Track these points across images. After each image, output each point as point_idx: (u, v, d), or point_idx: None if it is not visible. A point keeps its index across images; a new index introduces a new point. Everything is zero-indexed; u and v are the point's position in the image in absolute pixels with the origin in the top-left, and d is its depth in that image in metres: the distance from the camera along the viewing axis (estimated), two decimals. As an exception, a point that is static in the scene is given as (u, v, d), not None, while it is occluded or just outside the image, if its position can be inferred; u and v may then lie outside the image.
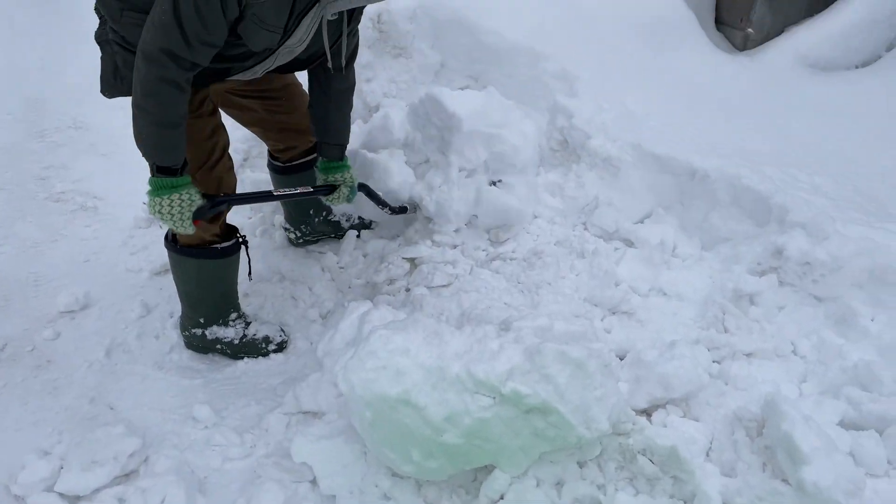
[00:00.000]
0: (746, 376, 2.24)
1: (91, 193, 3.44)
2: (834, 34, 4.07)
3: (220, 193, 2.30)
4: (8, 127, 3.93)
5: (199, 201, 2.10)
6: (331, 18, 2.06)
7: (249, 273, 2.57)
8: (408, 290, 2.72)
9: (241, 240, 2.45)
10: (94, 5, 2.08)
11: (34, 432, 2.16)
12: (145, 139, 1.96)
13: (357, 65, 3.59)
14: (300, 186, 2.56)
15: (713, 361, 2.35)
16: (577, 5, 3.84)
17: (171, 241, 2.37)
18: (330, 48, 2.15)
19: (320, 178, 2.59)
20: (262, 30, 1.92)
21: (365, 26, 3.56)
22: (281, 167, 2.79)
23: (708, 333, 2.43)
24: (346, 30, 2.16)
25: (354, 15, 2.22)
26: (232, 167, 2.40)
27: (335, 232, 3.09)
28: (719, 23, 4.42)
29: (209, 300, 2.48)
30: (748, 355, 2.38)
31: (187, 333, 2.54)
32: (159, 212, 2.05)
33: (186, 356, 2.55)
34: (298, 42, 2.09)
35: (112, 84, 2.12)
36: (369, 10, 3.59)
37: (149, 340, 2.59)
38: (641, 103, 3.43)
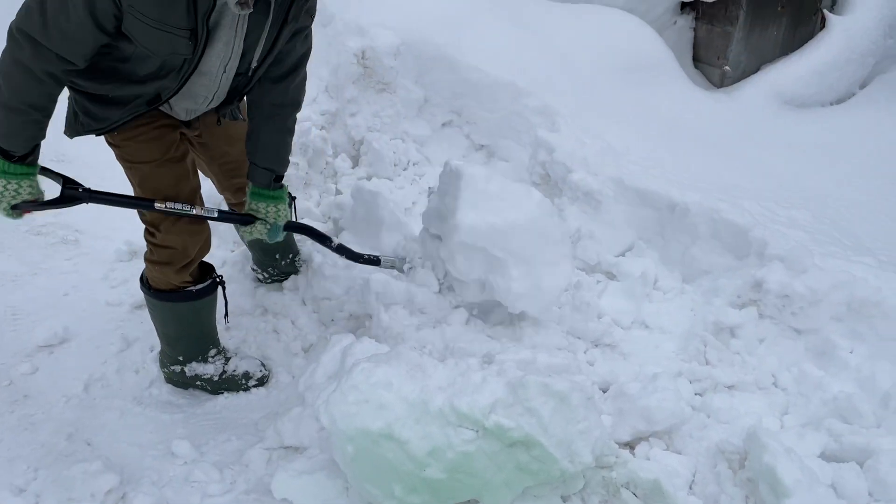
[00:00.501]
0: (728, 409, 2.25)
1: (72, 226, 3.42)
2: (808, 72, 4.19)
3: (192, 257, 2.24)
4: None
5: (29, 193, 1.94)
6: (237, 12, 1.75)
7: (226, 314, 2.53)
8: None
9: (217, 279, 2.40)
10: None
11: (9, 469, 2.11)
12: None
13: (341, 100, 3.68)
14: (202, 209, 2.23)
15: (695, 394, 2.36)
16: (557, 44, 3.92)
17: (146, 284, 2.33)
18: (262, 53, 1.93)
19: (248, 207, 2.32)
20: (150, 27, 1.71)
21: (349, 62, 3.60)
22: None
23: (690, 366, 2.44)
24: (267, 27, 1.87)
25: (291, 13, 1.90)
26: (200, 229, 2.25)
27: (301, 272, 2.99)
28: (697, 60, 4.53)
29: (187, 339, 2.45)
30: (730, 387, 2.39)
31: (166, 370, 2.51)
32: None
33: (166, 390, 2.51)
34: (226, 52, 1.88)
35: (72, 125, 2.08)
36: (353, 46, 3.63)
37: (128, 375, 2.56)
38: (621, 138, 3.48)
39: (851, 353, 2.39)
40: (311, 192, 3.56)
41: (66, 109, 2.08)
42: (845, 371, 2.32)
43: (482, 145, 3.76)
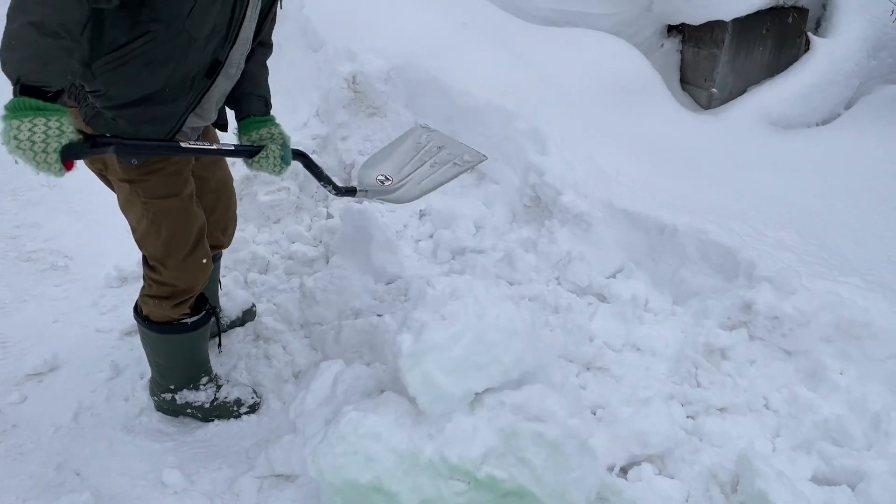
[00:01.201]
0: (720, 432, 2.26)
1: (62, 252, 3.40)
2: (794, 94, 4.24)
3: (195, 292, 2.22)
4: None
5: (71, 134, 1.56)
6: None
7: (219, 345, 2.53)
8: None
9: (210, 310, 2.40)
10: None
11: (-4, 501, 2.09)
12: (14, 46, 1.50)
13: (332, 124, 3.70)
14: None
15: (687, 417, 2.37)
16: (545, 67, 3.96)
17: (140, 315, 2.31)
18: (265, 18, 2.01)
19: (241, 140, 2.17)
20: None
21: (340, 87, 3.63)
22: None
23: (681, 388, 2.45)
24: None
25: None
26: (208, 264, 2.25)
27: (226, 330, 2.88)
28: (684, 83, 4.59)
29: (180, 369, 2.43)
30: (721, 410, 2.40)
31: (157, 398, 2.49)
32: (16, 138, 1.50)
33: (156, 418, 2.49)
34: (250, 18, 1.92)
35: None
36: (344, 70, 3.67)
37: (118, 403, 2.54)
38: (611, 161, 3.51)
39: (841, 374, 2.40)
40: (303, 216, 3.57)
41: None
42: (836, 392, 2.33)
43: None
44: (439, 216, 3.48)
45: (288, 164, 2.15)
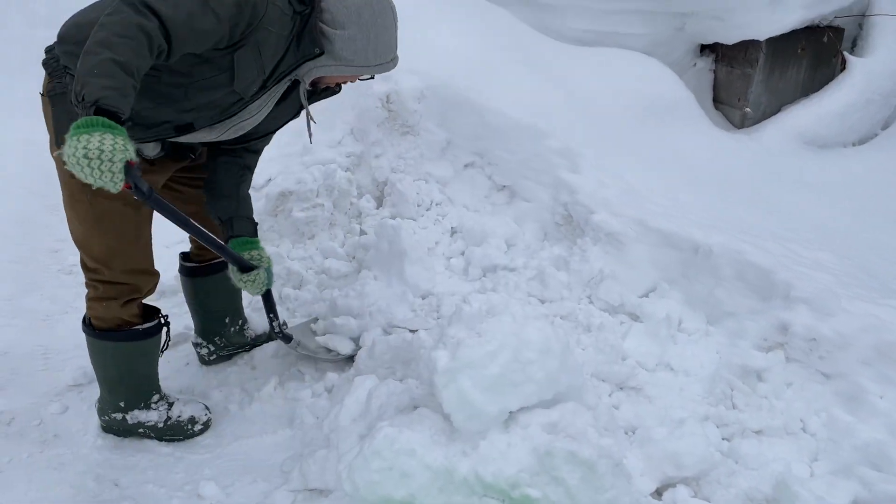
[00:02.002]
0: (757, 454, 2.23)
1: (102, 266, 3.48)
2: (830, 113, 4.20)
3: (142, 294, 2.28)
4: (23, 200, 4.01)
5: (133, 155, 1.63)
6: (307, 87, 2.08)
7: (164, 349, 2.47)
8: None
9: (163, 320, 2.40)
10: (42, 61, 2.03)
11: (38, 510, 2.14)
12: (98, 75, 1.61)
13: (366, 142, 3.75)
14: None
15: (722, 438, 2.34)
16: (577, 87, 3.98)
17: (89, 325, 2.31)
18: (288, 120, 2.26)
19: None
20: (253, 62, 1.91)
21: (374, 106, 3.68)
22: (196, 268, 2.66)
23: (717, 410, 2.42)
24: (306, 103, 2.13)
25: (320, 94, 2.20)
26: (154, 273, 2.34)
27: (251, 344, 2.92)
28: (717, 102, 4.57)
29: (130, 384, 2.41)
30: (757, 432, 2.37)
31: (106, 418, 2.45)
32: (85, 148, 1.54)
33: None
34: (258, 108, 2.10)
35: None
36: (378, 90, 3.72)
37: (155, 414, 2.58)
38: (643, 179, 3.51)
39: (881, 398, 2.35)
40: (336, 231, 3.61)
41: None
42: (875, 417, 2.29)
43: (504, 186, 3.79)
44: (470, 234, 3.50)
45: (270, 287, 2.44)
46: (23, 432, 2.47)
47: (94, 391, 2.62)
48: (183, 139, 2.15)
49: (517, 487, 1.78)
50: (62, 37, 1.99)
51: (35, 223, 3.84)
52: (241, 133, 2.19)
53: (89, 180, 1.58)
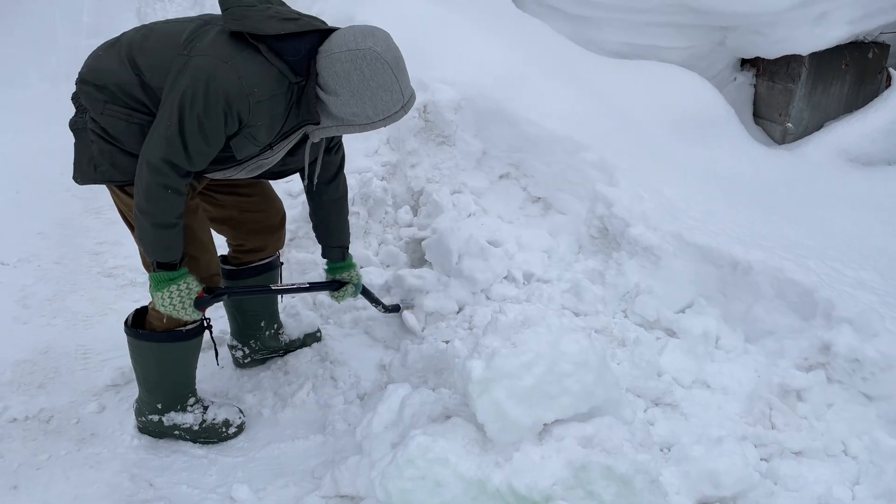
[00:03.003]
0: (797, 476, 2.18)
1: (141, 270, 3.52)
2: (875, 130, 4.12)
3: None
4: (66, 204, 4.11)
5: (197, 288, 2.18)
6: (314, 142, 2.21)
7: (217, 357, 2.63)
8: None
9: (206, 324, 2.43)
10: (71, 95, 2.18)
11: (75, 507, 2.17)
12: (148, 240, 2.08)
13: (402, 151, 3.77)
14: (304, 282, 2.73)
15: (761, 459, 2.29)
16: (615, 99, 3.95)
17: (131, 326, 2.37)
18: (308, 166, 2.30)
19: (327, 279, 2.71)
20: (251, 144, 2.06)
21: (411, 116, 3.70)
22: (233, 271, 2.71)
23: (755, 429, 2.38)
24: (321, 153, 2.31)
25: (335, 138, 2.42)
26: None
27: (286, 349, 2.95)
28: (757, 117, 4.51)
29: (169, 385, 2.45)
30: (797, 454, 2.32)
31: (143, 419, 2.49)
32: (162, 303, 2.13)
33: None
34: (271, 155, 2.19)
35: (84, 171, 2.16)
36: (415, 101, 3.74)
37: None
38: (681, 194, 3.47)
39: (927, 422, 2.29)
40: (371, 240, 3.62)
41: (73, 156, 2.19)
42: (921, 441, 2.23)
43: (539, 198, 3.78)
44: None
45: (356, 296, 2.77)
46: (61, 430, 2.52)
47: (131, 391, 2.66)
48: (218, 177, 2.30)
49: (551, 500, 1.75)
50: (83, 79, 2.13)
51: (76, 226, 3.93)
52: (261, 171, 2.28)
53: (178, 318, 2.19)
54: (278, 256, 2.81)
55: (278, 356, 2.93)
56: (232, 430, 2.53)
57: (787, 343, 2.65)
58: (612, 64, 4.27)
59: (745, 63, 4.59)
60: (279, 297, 2.92)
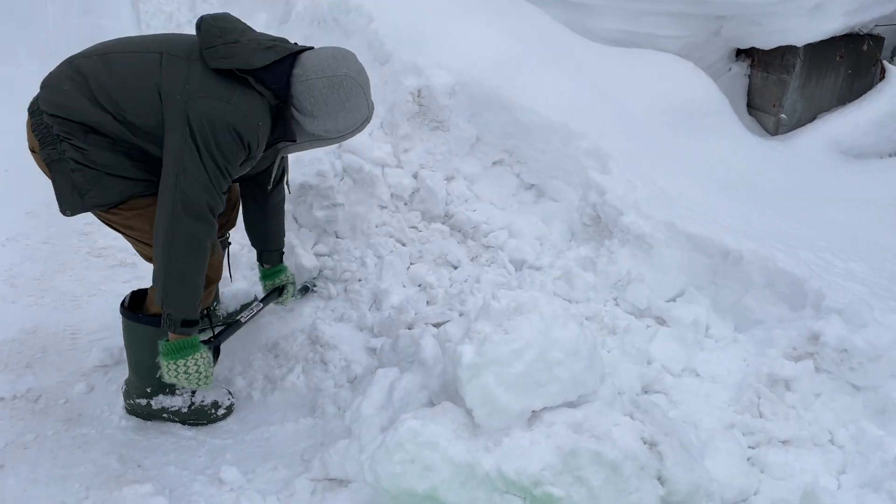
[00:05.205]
0: (783, 464, 2.19)
1: (130, 250, 3.48)
2: (867, 122, 4.12)
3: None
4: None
5: (210, 358, 2.22)
6: (284, 155, 2.44)
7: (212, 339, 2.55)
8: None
9: (205, 312, 2.46)
10: (32, 125, 2.09)
11: (62, 487, 2.16)
12: (185, 295, 2.07)
13: (396, 136, 3.75)
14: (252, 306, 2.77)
15: (748, 447, 2.30)
16: (610, 88, 3.94)
17: (128, 308, 2.36)
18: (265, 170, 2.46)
19: (266, 286, 2.84)
20: (248, 167, 2.21)
21: (405, 100, 3.68)
22: None
23: (743, 418, 2.39)
24: (277, 160, 2.47)
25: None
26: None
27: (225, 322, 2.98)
28: (751, 107, 4.51)
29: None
30: (784, 442, 2.33)
31: (131, 402, 2.48)
32: (185, 373, 2.14)
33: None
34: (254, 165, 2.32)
35: (73, 202, 2.11)
36: (409, 85, 3.72)
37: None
38: (674, 183, 3.46)
39: (913, 412, 2.31)
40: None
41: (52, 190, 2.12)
42: (907, 431, 2.24)
43: (532, 185, 3.77)
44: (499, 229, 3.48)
45: (298, 295, 3.01)
46: (49, 410, 2.51)
47: (120, 372, 2.66)
48: None
49: (540, 485, 1.76)
50: (51, 113, 2.06)
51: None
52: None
53: (188, 387, 2.21)
54: (227, 237, 2.86)
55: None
56: (221, 412, 2.52)
57: (776, 333, 2.65)
58: (608, 52, 4.25)
59: (740, 53, 4.58)
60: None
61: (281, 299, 2.85)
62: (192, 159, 1.97)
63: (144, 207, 2.17)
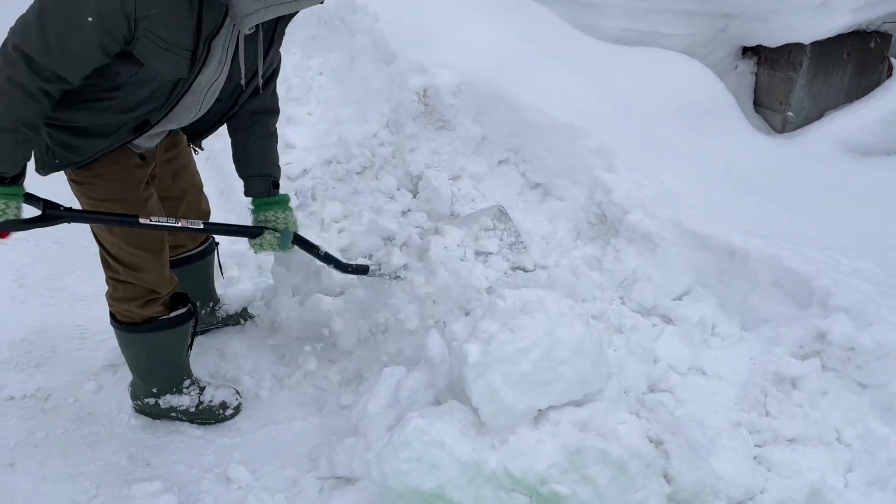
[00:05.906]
0: (790, 463, 2.19)
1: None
2: (876, 119, 4.11)
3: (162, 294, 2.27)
4: (64, 184, 4.07)
5: (12, 215, 1.91)
6: (247, 33, 1.85)
7: (190, 346, 2.49)
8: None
9: (192, 309, 2.40)
10: None
11: (72, 485, 2.18)
12: None
13: (402, 135, 3.75)
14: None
15: (755, 445, 2.30)
16: (615, 86, 3.94)
17: (115, 320, 2.33)
18: (246, 67, 1.97)
19: (253, 218, 2.35)
20: (162, 49, 1.75)
21: (411, 99, 3.69)
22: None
23: (749, 416, 2.39)
24: (261, 47, 1.97)
25: (277, 31, 2.03)
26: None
27: (223, 323, 2.95)
28: (758, 105, 4.49)
29: (161, 371, 2.44)
30: (791, 441, 2.33)
31: (139, 402, 2.48)
32: None
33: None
34: (216, 72, 1.94)
35: (45, 161, 2.05)
36: (415, 84, 3.72)
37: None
38: (680, 181, 3.46)
39: (920, 410, 2.31)
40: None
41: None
42: (914, 430, 2.24)
43: (538, 184, 3.78)
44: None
45: (285, 249, 2.33)
46: (58, 409, 2.53)
47: (129, 372, 2.67)
48: (170, 126, 2.12)
49: (546, 484, 1.77)
50: None
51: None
52: (215, 97, 2.06)
53: None
54: (212, 241, 2.77)
55: (216, 328, 2.94)
56: (229, 411, 2.53)
57: (782, 331, 2.65)
58: (614, 50, 4.24)
59: (746, 51, 4.56)
60: (215, 273, 2.86)
61: (254, 242, 2.30)
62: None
63: (108, 167, 2.05)
